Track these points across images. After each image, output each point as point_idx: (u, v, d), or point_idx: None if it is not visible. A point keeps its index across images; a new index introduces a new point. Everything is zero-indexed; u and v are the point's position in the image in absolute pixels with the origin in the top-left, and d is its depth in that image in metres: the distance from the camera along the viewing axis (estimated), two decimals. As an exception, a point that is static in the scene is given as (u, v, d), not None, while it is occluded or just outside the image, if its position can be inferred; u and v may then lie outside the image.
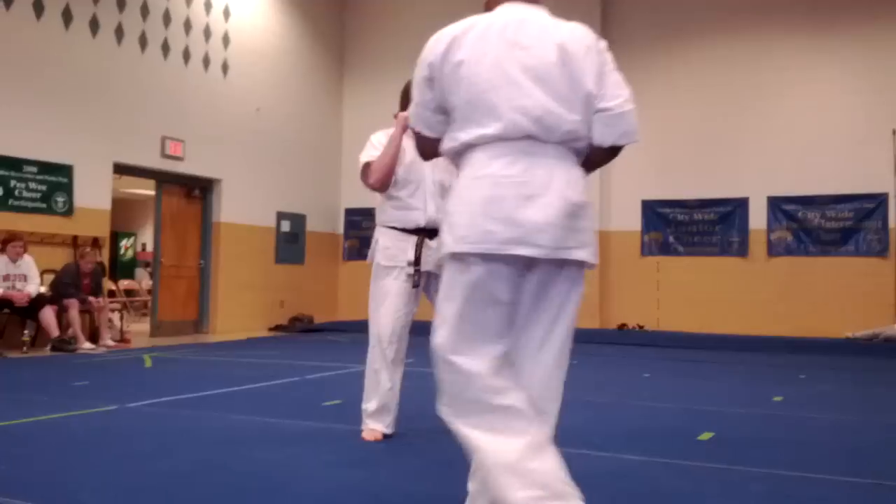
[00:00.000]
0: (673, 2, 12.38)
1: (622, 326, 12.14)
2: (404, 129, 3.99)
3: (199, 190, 11.84)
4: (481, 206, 2.20)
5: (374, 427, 4.08)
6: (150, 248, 16.58)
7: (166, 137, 10.85)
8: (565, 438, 4.18)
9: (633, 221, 12.46)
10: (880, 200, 11.03)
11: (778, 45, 11.71)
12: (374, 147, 4.15)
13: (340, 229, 14.38)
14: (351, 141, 14.34)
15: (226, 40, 11.97)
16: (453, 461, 2.84)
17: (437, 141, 2.39)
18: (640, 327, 12.05)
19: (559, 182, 2.21)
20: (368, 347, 4.12)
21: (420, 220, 4.07)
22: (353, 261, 14.24)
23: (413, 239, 4.07)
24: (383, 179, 4.03)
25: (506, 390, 2.18)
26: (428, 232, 4.06)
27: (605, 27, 12.58)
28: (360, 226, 14.21)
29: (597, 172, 11.76)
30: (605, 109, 2.29)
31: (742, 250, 11.74)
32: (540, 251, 2.16)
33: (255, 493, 3.04)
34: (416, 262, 4.04)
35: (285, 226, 13.05)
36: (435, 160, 3.16)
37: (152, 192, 11.73)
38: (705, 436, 4.30)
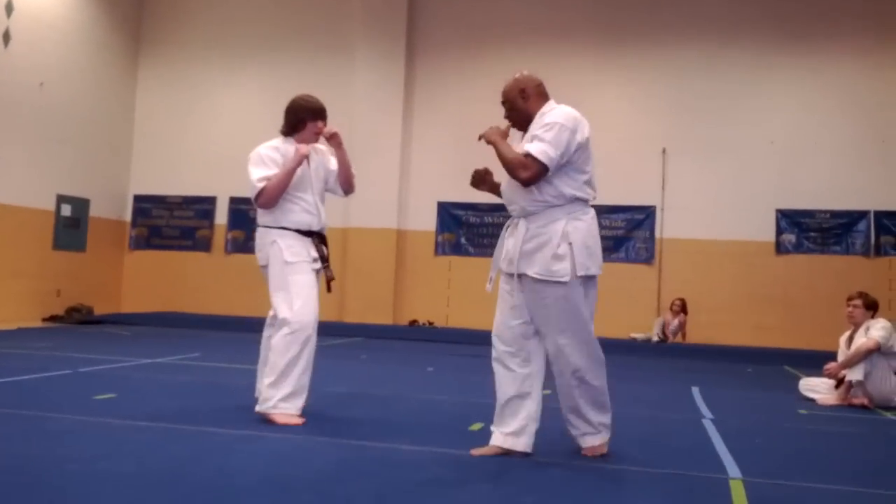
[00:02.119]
0: (475, 16, 12.88)
1: (413, 322, 12.47)
2: (300, 162, 4.47)
3: (-32, 166, 10.89)
4: (599, 243, 3.81)
5: (289, 411, 4.25)
6: None
7: (-70, 107, 9.91)
8: (345, 430, 4.33)
9: (428, 222, 12.83)
10: (649, 212, 12.08)
11: (569, 62, 12.48)
12: (265, 164, 4.46)
13: (128, 216, 13.71)
14: (144, 124, 13.74)
15: (9, 8, 11.06)
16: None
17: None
18: (430, 323, 12.43)
19: None
20: (281, 336, 4.29)
21: (314, 224, 4.55)
22: (141, 250, 13.65)
23: (307, 240, 4.51)
24: (272, 205, 4.45)
25: None
26: (318, 234, 4.57)
27: (411, 38, 12.90)
28: (149, 213, 13.63)
29: (396, 174, 12.01)
30: None
31: (527, 253, 12.40)
32: None
33: (12, 487, 2.91)
34: (325, 259, 4.57)
35: (66, 210, 12.27)
36: (316, 168, 4.62)
37: (-90, 166, 10.66)
38: (476, 426, 4.57)
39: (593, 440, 3.84)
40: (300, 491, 3.06)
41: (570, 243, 3.64)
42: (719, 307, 11.60)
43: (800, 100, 11.90)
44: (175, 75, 13.65)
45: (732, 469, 3.77)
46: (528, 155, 3.63)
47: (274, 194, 4.42)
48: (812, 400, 6.47)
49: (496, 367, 3.84)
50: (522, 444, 3.76)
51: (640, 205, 12.09)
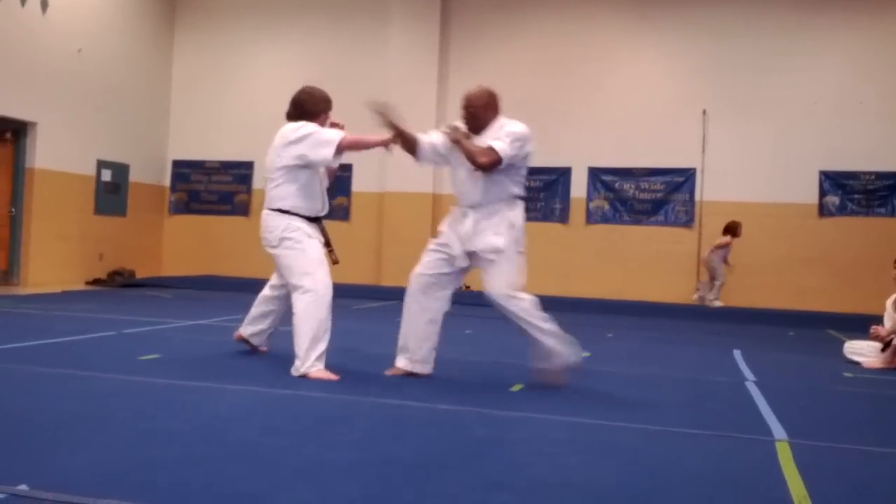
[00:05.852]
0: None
1: (450, 287, 12.46)
2: (378, 144, 4.91)
3: (11, 133, 11.03)
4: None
5: (323, 368, 4.58)
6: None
7: (-28, 74, 10.02)
8: (386, 390, 4.35)
9: (464, 185, 12.74)
10: (689, 175, 11.89)
11: (607, 23, 12.27)
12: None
13: (167, 181, 13.83)
14: (181, 89, 13.79)
15: (45, -26, 11.13)
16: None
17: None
18: (467, 287, 12.39)
19: None
20: (307, 303, 4.59)
21: (321, 210, 4.94)
22: (181, 215, 13.78)
23: (315, 224, 4.88)
24: (342, 154, 4.78)
25: None
26: (319, 220, 4.95)
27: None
28: (188, 178, 13.74)
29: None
30: None
31: (563, 217, 12.34)
32: None
33: (60, 443, 2.96)
34: (328, 243, 4.95)
35: (106, 175, 12.41)
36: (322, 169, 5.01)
37: (-45, 133, 10.83)
38: (516, 387, 4.56)
39: (542, 364, 4.66)
40: (343, 448, 3.07)
41: (512, 225, 4.61)
42: (761, 270, 11.43)
43: (844, 58, 11.57)
44: (211, 40, 13.66)
45: (778, 431, 3.72)
46: (490, 148, 4.48)
47: (351, 147, 4.80)
48: (857, 363, 6.36)
49: (407, 301, 4.85)
50: (427, 368, 4.72)
51: (679, 167, 11.89)
